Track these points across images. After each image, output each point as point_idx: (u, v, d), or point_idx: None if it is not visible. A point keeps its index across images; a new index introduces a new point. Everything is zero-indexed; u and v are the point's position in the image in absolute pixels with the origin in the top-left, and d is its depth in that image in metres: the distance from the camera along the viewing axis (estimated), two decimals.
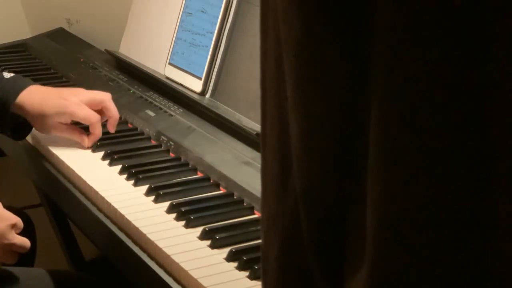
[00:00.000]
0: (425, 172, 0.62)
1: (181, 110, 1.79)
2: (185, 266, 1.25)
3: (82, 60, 2.21)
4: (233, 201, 1.46)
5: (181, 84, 1.85)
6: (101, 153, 1.67)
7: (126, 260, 1.40)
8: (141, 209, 1.44)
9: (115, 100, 1.76)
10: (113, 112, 1.70)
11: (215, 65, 1.78)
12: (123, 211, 1.42)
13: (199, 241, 1.33)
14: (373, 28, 0.63)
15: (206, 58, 1.79)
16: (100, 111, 1.69)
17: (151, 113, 1.81)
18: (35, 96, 1.68)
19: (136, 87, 1.96)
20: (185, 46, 1.86)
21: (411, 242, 0.63)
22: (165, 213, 1.42)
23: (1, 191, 2.28)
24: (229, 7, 1.77)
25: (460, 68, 0.60)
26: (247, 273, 1.23)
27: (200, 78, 1.79)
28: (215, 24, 1.78)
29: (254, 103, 1.62)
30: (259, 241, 0.78)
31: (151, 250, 1.33)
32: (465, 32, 0.59)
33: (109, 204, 1.46)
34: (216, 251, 1.30)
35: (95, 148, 1.69)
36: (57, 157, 1.67)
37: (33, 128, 1.73)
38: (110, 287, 1.85)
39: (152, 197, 1.47)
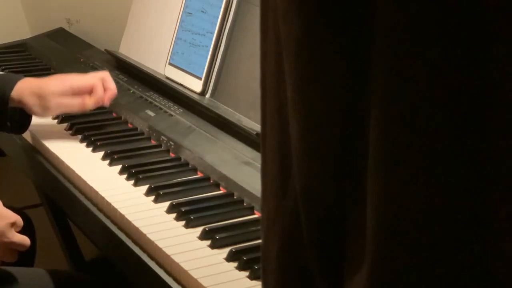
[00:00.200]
0: (425, 172, 0.62)
1: (181, 110, 1.79)
2: (185, 266, 1.25)
3: (82, 60, 2.21)
4: (233, 201, 1.46)
5: (181, 84, 1.85)
6: (101, 153, 1.67)
7: (126, 260, 1.40)
8: (141, 209, 1.44)
9: (115, 100, 1.76)
10: (112, 84, 1.74)
11: (215, 65, 1.78)
12: (123, 211, 1.42)
13: (199, 241, 1.33)
14: (373, 28, 0.63)
15: (206, 58, 1.79)
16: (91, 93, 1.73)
17: (151, 113, 1.81)
18: (32, 82, 1.72)
19: (136, 87, 1.96)
20: (185, 46, 1.86)
21: (411, 242, 0.63)
22: (165, 213, 1.42)
23: (1, 191, 2.28)
24: (229, 7, 1.77)
25: (460, 68, 0.60)
26: (247, 273, 1.23)
27: (200, 78, 1.79)
28: (215, 24, 1.78)
29: (254, 103, 1.62)
30: (259, 241, 0.78)
31: (151, 250, 1.33)
32: (465, 32, 0.59)
33: (109, 204, 1.46)
34: (216, 251, 1.30)
35: (95, 148, 1.69)
36: (57, 157, 1.67)
37: (31, 129, 1.74)
38: (110, 287, 1.85)
39: (152, 197, 1.48)
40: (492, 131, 0.60)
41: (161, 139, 1.71)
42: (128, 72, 2.04)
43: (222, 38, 1.77)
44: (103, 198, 1.48)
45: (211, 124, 1.69)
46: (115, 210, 1.44)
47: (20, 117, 1.73)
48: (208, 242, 1.32)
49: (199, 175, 1.57)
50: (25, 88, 1.71)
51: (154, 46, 2.00)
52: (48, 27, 2.50)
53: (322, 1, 0.66)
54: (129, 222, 1.39)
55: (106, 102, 1.74)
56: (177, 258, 1.27)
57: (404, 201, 0.63)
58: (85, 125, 1.80)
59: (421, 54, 0.61)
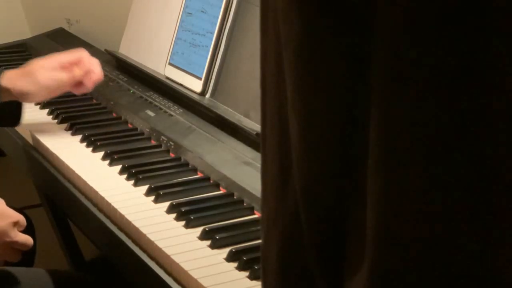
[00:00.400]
0: (425, 172, 0.62)
1: (181, 110, 1.79)
2: (185, 266, 1.25)
3: None
4: (233, 201, 1.46)
5: (181, 84, 1.85)
6: (101, 153, 1.67)
7: (126, 260, 1.40)
8: (141, 209, 1.44)
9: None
10: (97, 68, 1.76)
11: (215, 65, 1.78)
12: (123, 211, 1.42)
13: (199, 241, 1.33)
14: (373, 28, 0.63)
15: (206, 58, 1.79)
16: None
17: (151, 113, 1.81)
18: (17, 70, 1.74)
19: (136, 87, 1.96)
20: (185, 46, 1.86)
21: (411, 242, 0.63)
22: (165, 213, 1.42)
23: (1, 191, 2.28)
24: (229, 7, 1.77)
25: (460, 68, 0.60)
26: (247, 273, 1.23)
27: (200, 78, 1.79)
28: (215, 24, 1.78)
29: (254, 103, 1.62)
30: (259, 241, 0.78)
31: (151, 250, 1.33)
32: (465, 32, 0.59)
33: (109, 204, 1.46)
34: (216, 251, 1.30)
35: (95, 148, 1.69)
36: (57, 157, 1.67)
37: (31, 129, 1.73)
38: (110, 287, 1.85)
39: (152, 197, 1.47)
40: (492, 131, 0.60)
41: (161, 139, 1.71)
42: (128, 72, 2.04)
43: (222, 38, 1.77)
44: (103, 198, 1.48)
45: (211, 124, 1.69)
46: (115, 210, 1.44)
47: (11, 109, 1.72)
48: (208, 242, 1.32)
49: (199, 175, 1.57)
50: (13, 74, 1.73)
51: (154, 46, 2.00)
52: (48, 27, 2.50)
53: (322, 1, 0.66)
54: (129, 222, 1.39)
55: (90, 86, 1.75)
56: (177, 258, 1.27)
57: (404, 201, 0.63)
58: (85, 125, 1.80)
59: (421, 54, 0.61)
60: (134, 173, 1.56)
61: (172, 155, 1.66)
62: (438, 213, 0.62)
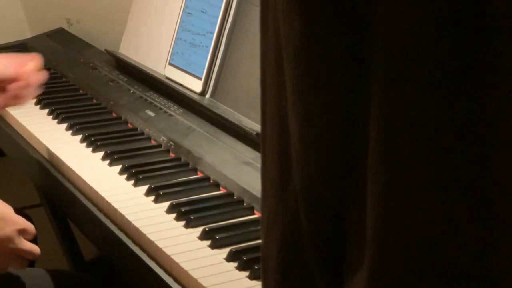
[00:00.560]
0: (425, 172, 0.62)
1: (181, 110, 1.79)
2: (185, 266, 1.25)
3: (82, 60, 2.21)
4: (233, 201, 1.46)
5: (181, 84, 1.85)
6: (101, 153, 1.67)
7: (126, 260, 1.40)
8: (141, 209, 1.44)
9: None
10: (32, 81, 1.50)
11: (215, 65, 1.78)
12: (123, 211, 1.42)
13: (199, 241, 1.33)
14: (373, 28, 0.63)
15: (206, 58, 1.79)
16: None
17: (151, 113, 1.81)
18: None
19: (136, 87, 1.96)
20: (185, 46, 1.86)
21: (411, 242, 0.63)
22: (165, 213, 1.42)
23: (1, 191, 2.28)
24: (229, 7, 1.77)
25: (460, 68, 0.60)
26: (247, 273, 1.23)
27: (200, 78, 1.79)
28: (215, 24, 1.78)
29: (254, 103, 1.61)
30: (259, 241, 0.78)
31: (151, 250, 1.33)
32: (466, 32, 0.59)
33: (109, 204, 1.46)
34: (216, 251, 1.30)
35: (95, 148, 1.69)
36: (57, 157, 1.67)
37: (31, 129, 1.73)
38: (110, 287, 1.85)
39: (152, 197, 1.47)
40: (492, 131, 0.60)
41: (161, 139, 1.71)
42: (128, 72, 2.04)
43: (222, 38, 1.77)
44: (103, 198, 1.48)
45: (211, 124, 1.69)
46: (115, 210, 1.44)
47: None
48: (208, 242, 1.32)
49: (199, 175, 1.57)
50: None
51: (154, 46, 2.00)
52: (48, 27, 2.50)
53: (322, 1, 0.65)
54: (129, 222, 1.39)
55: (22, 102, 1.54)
56: (177, 258, 1.27)
57: (404, 201, 0.63)
58: (85, 125, 1.81)
59: (421, 54, 0.61)
60: (134, 173, 1.56)
61: (172, 155, 1.66)
62: (438, 213, 0.62)
